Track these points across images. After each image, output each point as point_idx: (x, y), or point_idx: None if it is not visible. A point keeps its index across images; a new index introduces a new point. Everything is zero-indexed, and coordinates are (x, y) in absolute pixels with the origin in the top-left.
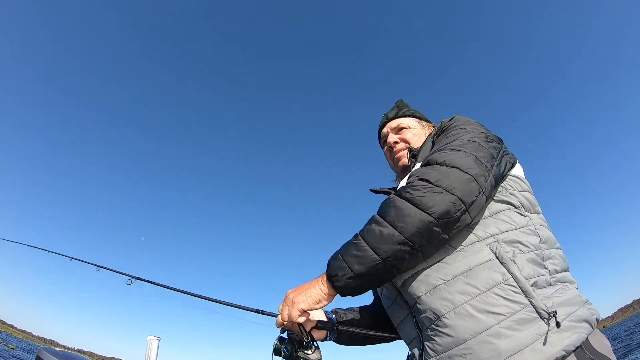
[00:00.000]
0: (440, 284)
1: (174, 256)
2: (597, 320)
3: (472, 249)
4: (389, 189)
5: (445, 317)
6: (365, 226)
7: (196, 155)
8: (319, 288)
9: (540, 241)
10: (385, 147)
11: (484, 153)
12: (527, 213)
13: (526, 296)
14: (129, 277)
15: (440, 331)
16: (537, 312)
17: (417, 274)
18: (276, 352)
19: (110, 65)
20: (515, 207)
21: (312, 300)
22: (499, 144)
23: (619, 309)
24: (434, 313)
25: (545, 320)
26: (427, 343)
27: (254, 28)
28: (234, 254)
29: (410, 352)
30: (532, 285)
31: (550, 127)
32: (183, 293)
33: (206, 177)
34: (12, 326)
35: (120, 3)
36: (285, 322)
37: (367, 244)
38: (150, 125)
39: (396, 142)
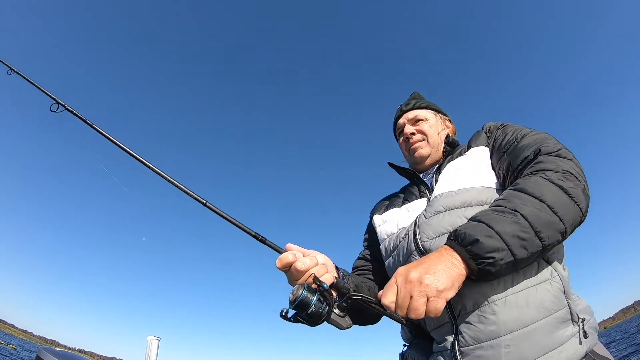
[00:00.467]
0: (498, 299)
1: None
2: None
3: None
4: (410, 169)
5: (494, 304)
6: (515, 200)
7: (195, 156)
8: (458, 270)
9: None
10: (402, 138)
11: None
12: None
13: (566, 297)
14: (55, 102)
15: (486, 318)
16: (571, 315)
17: None
18: (301, 304)
19: (109, 65)
20: None
21: (458, 284)
22: None
23: (620, 310)
24: (481, 299)
25: (576, 323)
26: (466, 330)
27: (254, 28)
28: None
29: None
30: (581, 311)
31: (549, 127)
32: (127, 152)
33: (206, 176)
34: (12, 326)
35: (121, 3)
36: (409, 316)
37: (530, 225)
38: (151, 126)
39: (413, 134)
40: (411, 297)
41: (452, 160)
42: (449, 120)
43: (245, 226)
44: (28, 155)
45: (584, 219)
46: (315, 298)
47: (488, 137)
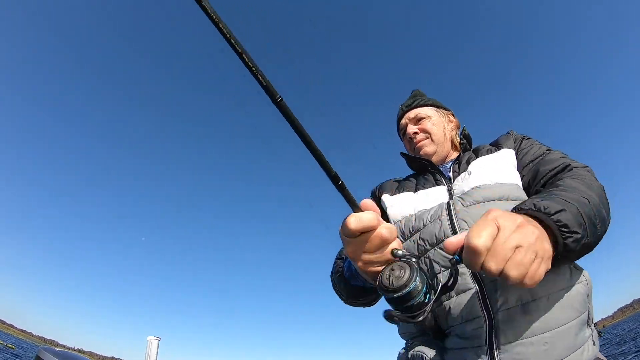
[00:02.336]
0: (529, 300)
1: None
2: None
3: None
4: (424, 159)
5: (539, 301)
6: (588, 192)
7: (195, 156)
8: (547, 240)
9: None
10: (405, 138)
11: None
12: None
13: (588, 301)
14: None
15: (530, 315)
16: (588, 318)
17: None
18: (408, 295)
19: (109, 65)
20: None
21: (552, 252)
22: None
23: (618, 309)
24: (526, 294)
25: (589, 327)
26: (506, 325)
27: (252, 28)
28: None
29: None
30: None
31: (548, 127)
32: None
33: (206, 177)
34: (11, 326)
35: (121, 3)
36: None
37: (596, 215)
38: (151, 126)
39: (416, 133)
40: (517, 247)
41: (478, 157)
42: (452, 115)
43: (327, 160)
44: (27, 154)
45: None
46: (424, 289)
47: (514, 143)
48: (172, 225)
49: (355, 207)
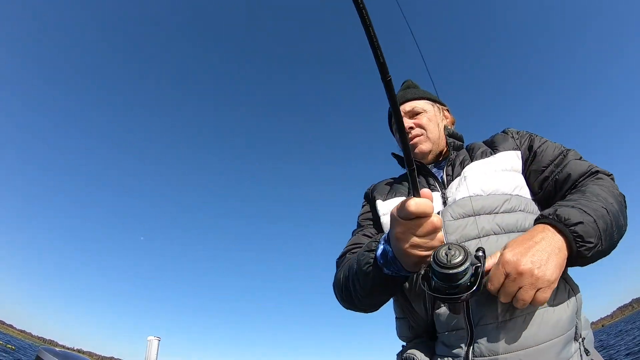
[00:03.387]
0: (516, 315)
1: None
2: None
3: None
4: (417, 161)
5: (514, 320)
6: (610, 201)
7: (195, 156)
8: (563, 255)
9: None
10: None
11: None
12: None
13: (577, 317)
14: None
15: (505, 332)
16: (575, 334)
17: None
18: (456, 275)
19: (108, 65)
20: None
21: (562, 270)
22: None
23: (617, 308)
24: (504, 312)
25: (576, 341)
26: (483, 340)
27: (250, 28)
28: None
29: (408, 348)
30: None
31: (547, 127)
32: None
33: (203, 177)
34: (11, 326)
35: (121, 3)
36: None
37: (612, 224)
38: (150, 126)
39: (411, 128)
40: (520, 287)
41: (473, 159)
42: (447, 110)
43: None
44: (28, 154)
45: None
46: (471, 274)
47: (517, 142)
48: (172, 225)
49: (417, 193)
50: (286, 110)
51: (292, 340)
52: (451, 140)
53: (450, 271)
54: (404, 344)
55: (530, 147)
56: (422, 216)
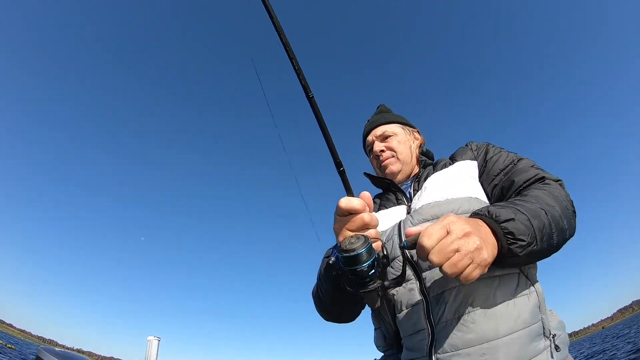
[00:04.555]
0: (476, 309)
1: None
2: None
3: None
4: (386, 179)
5: (474, 313)
6: (538, 200)
7: (195, 156)
8: (494, 250)
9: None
10: (372, 155)
11: None
12: None
13: (540, 312)
14: None
15: (465, 327)
16: (544, 330)
17: None
18: (355, 258)
19: (107, 65)
20: None
21: (492, 259)
22: None
23: (617, 310)
24: (462, 308)
25: (547, 338)
26: (444, 337)
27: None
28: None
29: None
30: (555, 328)
31: (546, 127)
32: None
33: (200, 178)
34: (11, 325)
35: (121, 3)
36: (434, 261)
37: (551, 224)
38: (148, 126)
39: (382, 151)
40: (457, 250)
41: (434, 172)
42: (418, 132)
43: (334, 146)
44: (29, 154)
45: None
46: (370, 260)
47: (475, 153)
48: (172, 225)
49: (349, 192)
50: (285, 109)
51: (292, 340)
52: (423, 158)
53: (345, 254)
54: (382, 354)
55: (484, 157)
56: (353, 212)
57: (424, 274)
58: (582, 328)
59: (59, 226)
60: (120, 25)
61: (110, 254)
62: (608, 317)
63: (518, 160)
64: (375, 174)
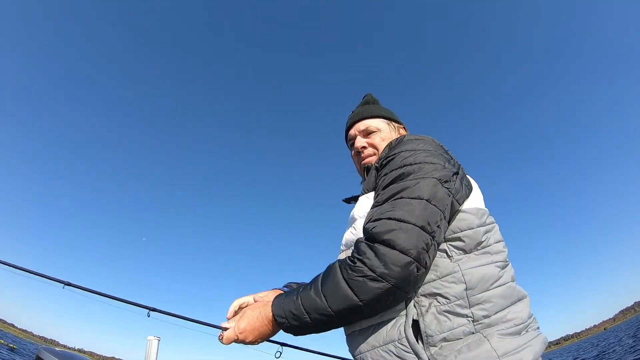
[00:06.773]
0: (356, 329)
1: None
2: None
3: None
4: (357, 196)
5: (348, 336)
6: (308, 286)
7: (195, 156)
8: (267, 321)
9: (466, 288)
10: (353, 151)
11: (430, 214)
12: (459, 256)
13: (416, 355)
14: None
15: (354, 339)
16: (410, 344)
17: None
18: None
19: (107, 65)
20: (447, 254)
21: (261, 336)
22: (451, 181)
23: (619, 311)
24: (351, 354)
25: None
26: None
27: (248, 28)
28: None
29: None
30: (440, 340)
31: (546, 127)
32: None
33: (199, 177)
34: (12, 325)
35: (120, 3)
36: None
37: (304, 308)
38: (148, 125)
39: (364, 147)
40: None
41: (362, 191)
42: (404, 128)
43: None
44: (30, 152)
45: (368, 305)
46: None
47: (379, 181)
48: (173, 226)
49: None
50: (286, 110)
51: (292, 340)
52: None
53: None
54: None
55: (379, 179)
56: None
57: None
58: (583, 329)
59: (61, 226)
60: (121, 25)
61: (112, 254)
62: (610, 318)
63: (383, 189)
64: (356, 170)
